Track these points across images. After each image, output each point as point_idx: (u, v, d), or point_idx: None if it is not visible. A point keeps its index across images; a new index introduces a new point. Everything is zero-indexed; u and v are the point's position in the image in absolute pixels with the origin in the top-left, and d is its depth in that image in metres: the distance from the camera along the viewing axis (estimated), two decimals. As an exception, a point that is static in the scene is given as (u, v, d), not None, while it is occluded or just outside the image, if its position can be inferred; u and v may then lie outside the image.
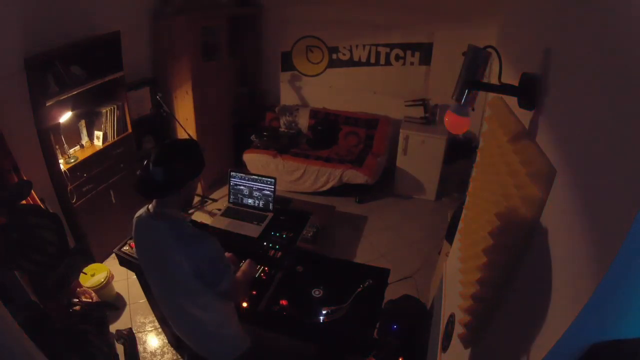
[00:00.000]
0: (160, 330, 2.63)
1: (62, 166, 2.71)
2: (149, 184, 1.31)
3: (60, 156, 2.74)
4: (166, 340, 2.57)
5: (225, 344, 1.58)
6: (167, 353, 2.52)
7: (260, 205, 2.39)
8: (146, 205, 1.43)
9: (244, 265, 1.67)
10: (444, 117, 1.30)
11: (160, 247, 1.34)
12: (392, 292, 2.49)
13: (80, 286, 2.63)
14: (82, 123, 2.96)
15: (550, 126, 0.93)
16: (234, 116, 4.52)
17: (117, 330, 2.45)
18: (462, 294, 1.33)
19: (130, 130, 3.24)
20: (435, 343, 1.77)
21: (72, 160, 2.80)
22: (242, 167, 4.26)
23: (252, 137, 4.47)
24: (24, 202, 1.99)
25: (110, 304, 2.70)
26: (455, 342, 1.39)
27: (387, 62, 4.34)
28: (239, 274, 1.54)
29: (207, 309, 1.45)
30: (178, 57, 3.60)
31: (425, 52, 4.17)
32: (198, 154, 1.37)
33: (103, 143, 3.05)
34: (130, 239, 2.03)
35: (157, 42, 3.66)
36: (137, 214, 1.45)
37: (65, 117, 2.75)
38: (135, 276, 2.25)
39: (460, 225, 1.81)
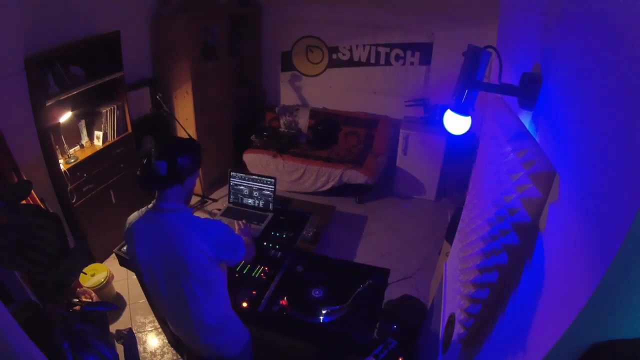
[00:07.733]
0: (160, 330, 2.64)
1: (62, 166, 2.71)
2: (153, 178, 1.34)
3: (60, 156, 2.75)
4: (166, 340, 2.58)
5: (227, 336, 1.59)
6: (167, 353, 2.52)
7: (260, 205, 2.39)
8: (142, 208, 1.45)
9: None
10: (443, 117, 1.30)
11: (170, 239, 1.36)
12: (392, 292, 2.49)
13: (80, 286, 2.63)
14: (82, 123, 2.97)
15: (550, 126, 0.93)
16: (234, 116, 4.52)
17: (117, 330, 2.44)
18: (462, 294, 1.33)
19: (130, 130, 3.25)
20: (435, 343, 1.77)
21: (72, 160, 2.80)
22: (242, 167, 4.26)
23: (252, 137, 4.48)
24: (24, 202, 1.99)
25: (109, 303, 2.70)
26: (455, 342, 1.39)
27: (387, 62, 4.34)
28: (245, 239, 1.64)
29: (214, 294, 1.48)
30: (178, 57, 3.60)
31: (425, 52, 4.18)
32: (198, 150, 1.44)
33: (103, 143, 3.05)
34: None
35: (157, 42, 3.67)
36: (134, 217, 1.46)
37: (65, 117, 2.76)
38: (135, 276, 2.25)
39: (460, 225, 1.81)
